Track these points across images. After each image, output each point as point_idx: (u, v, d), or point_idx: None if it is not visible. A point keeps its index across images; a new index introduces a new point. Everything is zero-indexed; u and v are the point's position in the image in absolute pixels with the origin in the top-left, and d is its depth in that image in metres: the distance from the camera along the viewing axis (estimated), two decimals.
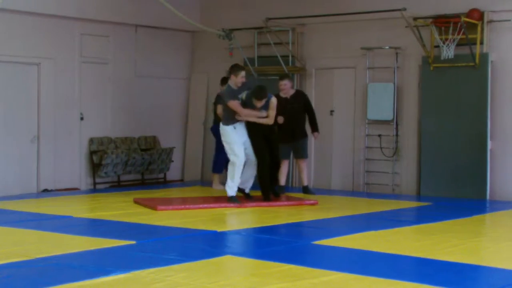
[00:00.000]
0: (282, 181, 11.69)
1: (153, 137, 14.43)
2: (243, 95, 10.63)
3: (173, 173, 14.71)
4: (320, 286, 5.86)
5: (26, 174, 12.57)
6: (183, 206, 10.32)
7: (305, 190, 11.69)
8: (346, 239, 8.05)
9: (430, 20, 12.19)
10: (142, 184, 14.06)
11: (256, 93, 10.47)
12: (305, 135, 11.72)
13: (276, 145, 10.97)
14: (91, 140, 13.42)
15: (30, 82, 12.64)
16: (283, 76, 11.76)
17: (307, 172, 11.98)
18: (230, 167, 10.75)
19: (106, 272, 6.17)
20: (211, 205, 10.49)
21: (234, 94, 10.61)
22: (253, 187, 11.08)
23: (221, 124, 10.85)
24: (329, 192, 13.01)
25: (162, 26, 14.48)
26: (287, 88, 11.46)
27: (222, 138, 10.83)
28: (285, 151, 11.48)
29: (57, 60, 12.92)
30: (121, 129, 13.96)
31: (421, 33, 12.22)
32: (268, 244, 7.84)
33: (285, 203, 10.94)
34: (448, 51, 11.97)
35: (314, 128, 11.74)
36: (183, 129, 15.24)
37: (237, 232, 8.49)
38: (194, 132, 15.16)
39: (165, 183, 14.32)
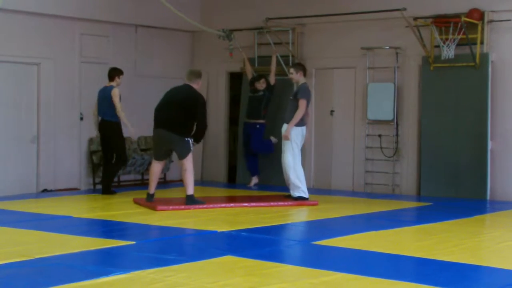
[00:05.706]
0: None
1: None
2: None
3: (173, 173, 14.67)
4: (320, 286, 5.86)
5: (26, 174, 12.56)
6: (183, 206, 10.32)
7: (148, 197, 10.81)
8: (346, 239, 8.05)
9: (430, 20, 12.19)
10: (142, 184, 14.04)
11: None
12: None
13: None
14: (91, 140, 13.40)
15: (30, 82, 12.63)
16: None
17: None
18: None
19: (106, 272, 6.16)
20: (211, 205, 10.49)
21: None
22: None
23: None
24: (329, 192, 13.01)
25: (162, 26, 14.47)
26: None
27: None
28: None
29: (57, 60, 12.91)
30: None
31: (421, 33, 12.21)
32: (268, 244, 7.84)
33: (285, 203, 10.93)
34: (448, 51, 11.97)
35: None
36: None
37: (237, 232, 8.49)
38: None
39: (165, 183, 14.29)
